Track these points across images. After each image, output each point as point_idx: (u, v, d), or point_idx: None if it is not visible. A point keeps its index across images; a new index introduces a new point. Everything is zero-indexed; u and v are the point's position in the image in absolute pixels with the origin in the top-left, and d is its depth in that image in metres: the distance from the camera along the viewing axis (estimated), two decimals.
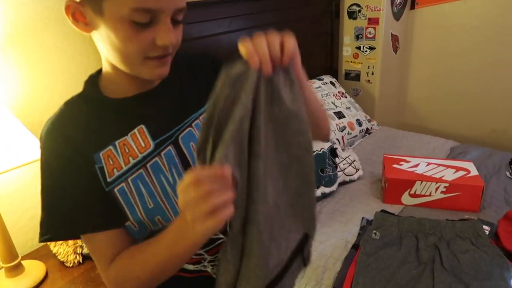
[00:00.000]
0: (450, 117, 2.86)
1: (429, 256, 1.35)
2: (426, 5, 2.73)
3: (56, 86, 1.33)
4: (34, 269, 1.22)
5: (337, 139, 2.08)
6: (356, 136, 2.26)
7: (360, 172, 1.90)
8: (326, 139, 0.85)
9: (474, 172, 1.68)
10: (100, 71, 0.74)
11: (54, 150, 0.68)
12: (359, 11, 2.55)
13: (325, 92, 2.31)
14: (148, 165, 0.71)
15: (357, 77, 2.72)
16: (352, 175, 1.86)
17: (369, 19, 2.53)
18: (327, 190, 1.73)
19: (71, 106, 0.72)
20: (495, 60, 2.56)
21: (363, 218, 1.56)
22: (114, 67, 0.69)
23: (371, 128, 2.41)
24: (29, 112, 1.27)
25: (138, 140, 0.71)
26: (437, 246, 1.37)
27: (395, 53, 2.77)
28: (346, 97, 2.41)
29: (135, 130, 0.71)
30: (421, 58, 2.88)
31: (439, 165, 1.75)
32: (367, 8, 2.51)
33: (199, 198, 0.51)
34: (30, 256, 1.30)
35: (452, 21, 2.65)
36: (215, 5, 1.81)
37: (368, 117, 2.46)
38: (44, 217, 0.69)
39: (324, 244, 1.45)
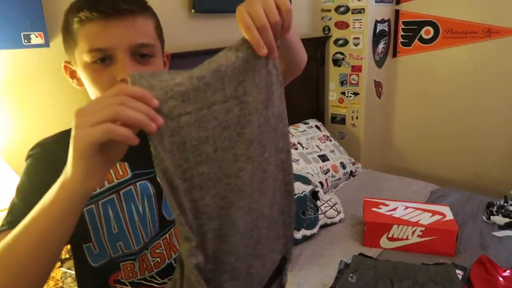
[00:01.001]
0: (434, 160, 2.94)
1: None
2: (406, 54, 2.89)
3: (48, 130, 1.38)
4: None
5: (320, 181, 2.15)
6: (340, 178, 2.33)
7: (342, 215, 1.95)
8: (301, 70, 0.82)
9: (449, 216, 1.74)
10: None
11: (37, 160, 0.73)
12: (343, 59, 2.69)
13: (310, 135, 2.40)
14: (121, 192, 0.75)
15: (342, 120, 2.83)
16: (334, 217, 1.91)
17: (353, 67, 2.67)
18: (308, 232, 1.77)
19: (64, 135, 0.77)
20: (474, 105, 2.68)
21: (341, 261, 1.60)
22: None
23: (355, 171, 2.48)
24: (19, 156, 1.34)
25: (117, 169, 0.76)
26: None
27: (379, 98, 2.90)
28: (330, 141, 2.49)
29: (117, 163, 0.75)
30: (405, 103, 3.00)
31: (417, 209, 1.80)
32: (350, 56, 2.66)
33: (104, 106, 0.46)
34: None
35: (431, 68, 2.80)
36: (211, 53, 1.95)
37: (353, 160, 2.53)
38: (7, 213, 0.68)
39: (302, 287, 1.48)
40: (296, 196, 1.81)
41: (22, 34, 1.28)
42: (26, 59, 1.32)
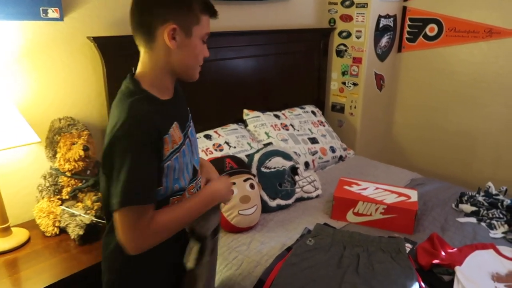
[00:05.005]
0: (431, 155, 3.04)
1: (349, 262, 1.54)
2: (411, 49, 2.98)
3: (58, 91, 1.68)
4: (20, 234, 1.52)
5: (306, 161, 2.32)
6: (328, 161, 2.49)
7: (319, 191, 2.12)
8: None
9: (414, 198, 1.87)
10: (131, 76, 1.03)
11: (144, 135, 0.92)
12: (346, 50, 2.83)
13: (304, 119, 2.57)
14: (181, 149, 1.04)
15: (342, 109, 2.97)
16: (311, 193, 2.09)
17: (354, 58, 2.81)
18: (282, 202, 1.96)
19: (141, 105, 0.95)
20: (473, 103, 2.76)
21: (305, 227, 1.78)
22: (163, 75, 1.03)
23: (346, 156, 2.63)
24: (33, 110, 1.61)
25: (176, 131, 1.03)
26: (359, 256, 1.57)
27: (380, 90, 3.01)
28: (324, 126, 2.65)
29: (173, 124, 1.02)
30: (406, 97, 3.10)
31: (386, 190, 1.95)
32: (352, 48, 2.79)
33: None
34: (19, 226, 1.60)
35: (433, 65, 2.88)
36: (227, 36, 2.25)
37: (345, 146, 2.68)
38: (126, 187, 0.89)
39: (264, 244, 1.67)
40: (275, 169, 2.01)
41: (41, 8, 1.53)
42: (43, 30, 1.58)
